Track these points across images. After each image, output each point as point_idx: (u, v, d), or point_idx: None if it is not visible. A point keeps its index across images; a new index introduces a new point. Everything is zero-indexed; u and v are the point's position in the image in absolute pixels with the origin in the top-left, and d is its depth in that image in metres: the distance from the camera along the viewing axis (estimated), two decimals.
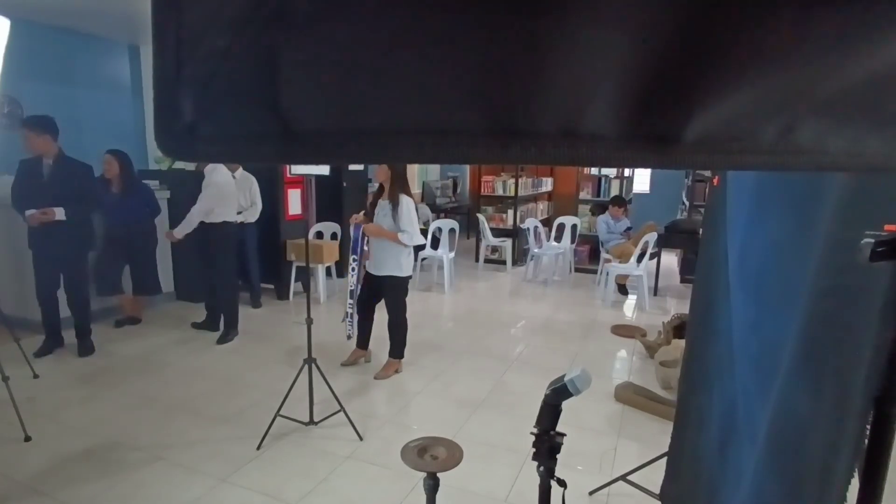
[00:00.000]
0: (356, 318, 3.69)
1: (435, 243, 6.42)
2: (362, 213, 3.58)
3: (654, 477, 2.15)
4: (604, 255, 6.34)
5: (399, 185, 3.39)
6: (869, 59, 0.28)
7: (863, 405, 0.73)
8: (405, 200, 3.37)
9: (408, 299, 3.65)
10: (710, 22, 0.28)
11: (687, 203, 7.41)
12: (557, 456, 1.53)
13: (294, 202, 5.57)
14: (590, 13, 0.28)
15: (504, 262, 7.45)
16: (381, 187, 3.46)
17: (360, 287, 3.61)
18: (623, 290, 6.08)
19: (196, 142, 0.32)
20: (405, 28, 0.29)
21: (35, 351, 3.84)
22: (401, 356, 3.75)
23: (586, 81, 0.29)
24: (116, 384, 3.51)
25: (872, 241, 0.64)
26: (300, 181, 5.47)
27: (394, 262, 3.46)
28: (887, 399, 0.71)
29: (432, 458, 1.63)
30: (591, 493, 2.41)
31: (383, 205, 3.42)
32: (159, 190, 5.18)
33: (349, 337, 3.75)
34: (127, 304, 4.68)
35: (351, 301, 3.65)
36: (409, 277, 3.64)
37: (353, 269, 3.63)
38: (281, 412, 2.81)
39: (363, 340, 3.84)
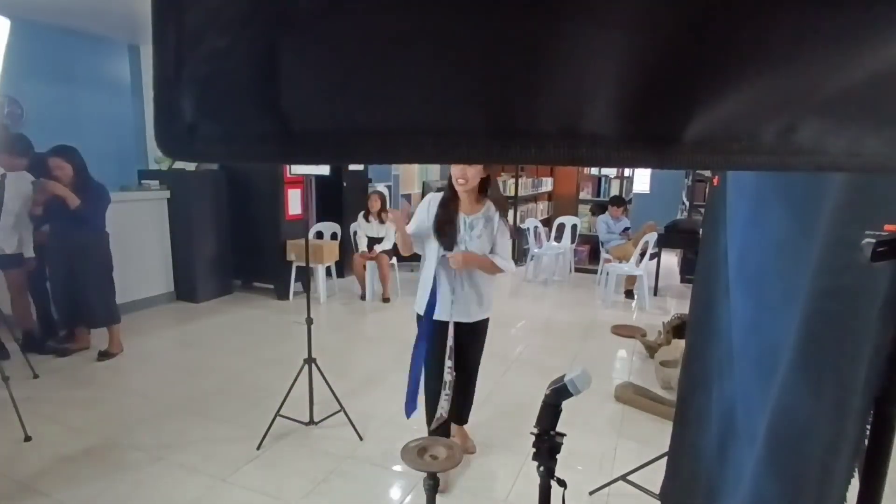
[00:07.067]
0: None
1: None
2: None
3: (654, 477, 2.14)
4: (604, 254, 6.34)
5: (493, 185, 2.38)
6: (869, 59, 0.28)
7: (863, 405, 0.73)
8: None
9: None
10: (709, 22, 0.28)
11: (687, 203, 7.41)
12: (557, 456, 1.53)
13: (294, 202, 5.58)
14: (590, 13, 0.28)
15: None
16: (455, 194, 2.31)
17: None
18: (630, 294, 6.05)
19: (196, 142, 0.32)
20: (405, 28, 0.29)
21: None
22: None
23: (586, 81, 0.29)
24: (116, 384, 3.51)
25: (873, 241, 0.64)
26: (300, 181, 5.48)
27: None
28: (887, 399, 0.71)
29: (432, 458, 1.63)
30: (591, 493, 2.41)
31: (471, 221, 2.33)
32: (159, 189, 5.19)
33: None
34: (81, 339, 4.04)
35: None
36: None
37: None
38: (281, 412, 2.81)
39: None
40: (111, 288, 3.92)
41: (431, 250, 2.35)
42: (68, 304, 3.84)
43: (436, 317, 2.35)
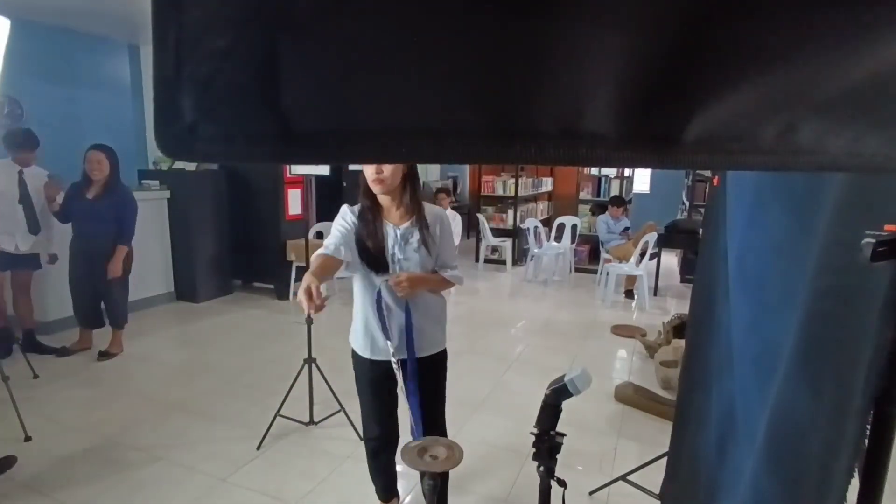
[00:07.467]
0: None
1: None
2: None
3: (654, 477, 2.15)
4: (604, 254, 6.35)
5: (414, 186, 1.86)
6: (869, 59, 0.28)
7: (863, 405, 0.73)
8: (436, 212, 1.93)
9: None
10: (710, 22, 0.28)
11: (687, 203, 7.41)
12: (557, 456, 1.53)
13: (294, 202, 5.58)
14: (589, 13, 0.28)
15: (504, 262, 7.45)
16: (374, 199, 1.85)
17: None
18: (630, 294, 6.05)
19: (196, 142, 0.32)
20: (405, 28, 0.29)
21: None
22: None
23: (586, 81, 0.29)
24: (116, 384, 3.51)
25: (873, 240, 0.64)
26: (300, 181, 5.48)
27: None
28: (887, 399, 0.71)
29: (432, 458, 1.62)
30: (591, 493, 2.41)
31: (403, 231, 1.84)
32: (159, 189, 5.19)
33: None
34: (83, 339, 4.03)
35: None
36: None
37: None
38: (281, 412, 2.81)
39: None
40: (127, 291, 4.03)
41: (359, 277, 1.89)
42: (90, 304, 3.89)
43: (380, 357, 1.89)
